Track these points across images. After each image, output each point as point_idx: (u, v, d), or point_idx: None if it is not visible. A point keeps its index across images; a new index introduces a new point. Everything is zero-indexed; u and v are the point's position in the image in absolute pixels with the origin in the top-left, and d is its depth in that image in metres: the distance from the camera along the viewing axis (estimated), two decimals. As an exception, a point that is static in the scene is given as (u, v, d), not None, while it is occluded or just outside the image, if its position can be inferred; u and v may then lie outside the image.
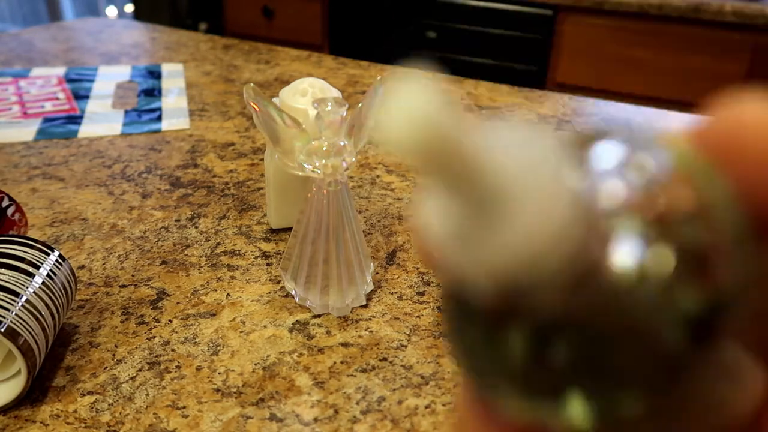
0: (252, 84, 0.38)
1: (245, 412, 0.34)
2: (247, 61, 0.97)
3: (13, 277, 0.35)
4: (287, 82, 0.90)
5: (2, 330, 0.32)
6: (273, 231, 0.52)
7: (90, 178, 0.60)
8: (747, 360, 0.12)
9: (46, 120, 0.74)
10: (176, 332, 0.40)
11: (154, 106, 0.80)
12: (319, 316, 0.42)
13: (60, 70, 0.92)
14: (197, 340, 0.39)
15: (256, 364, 0.37)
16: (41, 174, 0.61)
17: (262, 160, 0.65)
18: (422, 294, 0.44)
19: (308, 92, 0.46)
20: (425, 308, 0.43)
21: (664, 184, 0.11)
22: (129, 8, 2.52)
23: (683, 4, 1.54)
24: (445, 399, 0.35)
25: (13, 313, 0.33)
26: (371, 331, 0.40)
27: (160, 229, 0.52)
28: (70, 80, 0.88)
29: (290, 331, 0.40)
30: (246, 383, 0.36)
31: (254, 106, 0.38)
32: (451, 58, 1.83)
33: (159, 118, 0.76)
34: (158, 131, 0.72)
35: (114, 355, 0.38)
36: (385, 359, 0.38)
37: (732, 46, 1.54)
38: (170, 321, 0.41)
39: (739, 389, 0.12)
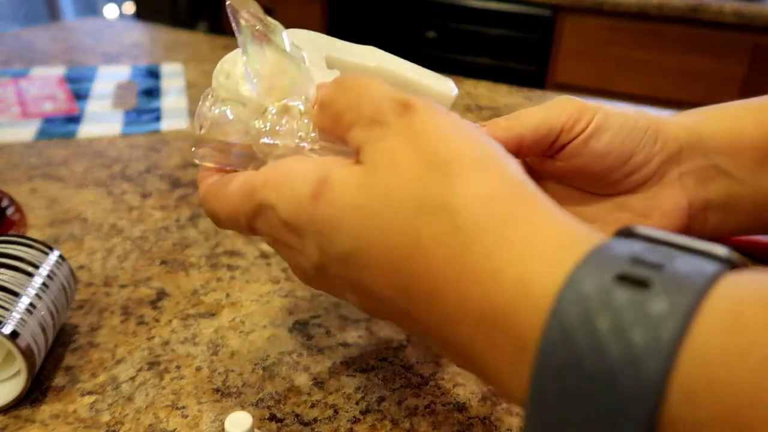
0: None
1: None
2: (246, 61, 0.97)
3: (12, 277, 0.35)
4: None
5: (2, 330, 0.32)
6: (273, 231, 0.52)
7: (90, 178, 0.60)
8: None
9: (46, 120, 0.74)
10: (176, 332, 0.40)
11: (153, 106, 0.80)
12: (318, 316, 0.42)
13: (60, 70, 0.92)
14: (197, 340, 0.39)
15: (255, 364, 0.37)
16: (41, 174, 0.61)
17: (261, 160, 0.65)
18: (422, 294, 0.44)
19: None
20: (425, 308, 0.43)
21: None
22: (129, 8, 2.51)
23: (683, 5, 1.54)
24: (445, 399, 0.35)
25: (13, 313, 0.33)
26: (371, 331, 0.40)
27: (160, 229, 0.52)
28: (69, 80, 0.88)
29: (290, 331, 0.40)
30: (246, 383, 0.36)
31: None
32: (451, 58, 1.83)
33: (158, 118, 0.76)
34: (158, 131, 0.72)
35: (114, 355, 0.38)
36: (384, 359, 0.38)
37: (732, 47, 1.54)
38: (170, 321, 0.41)
39: None
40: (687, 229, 0.35)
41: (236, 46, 0.29)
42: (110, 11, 2.61)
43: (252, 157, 0.29)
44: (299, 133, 0.28)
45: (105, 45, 1.08)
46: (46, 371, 0.36)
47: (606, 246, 0.19)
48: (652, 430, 0.16)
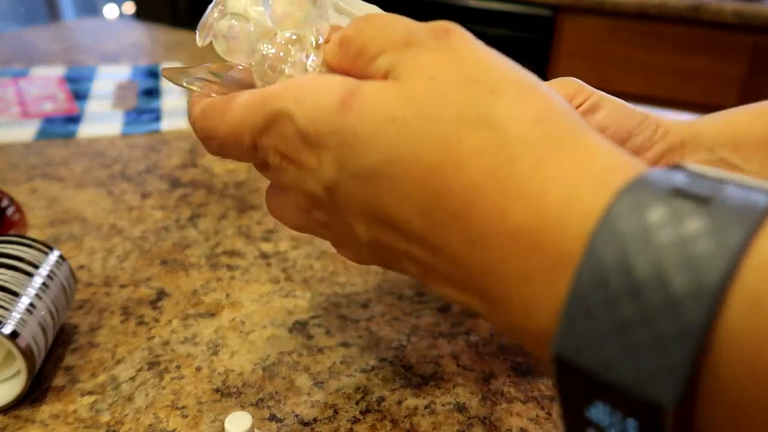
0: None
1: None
2: (246, 61, 0.97)
3: (12, 277, 0.35)
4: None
5: (2, 330, 0.32)
6: (273, 231, 0.52)
7: (90, 178, 0.60)
8: None
9: (46, 120, 0.74)
10: (176, 332, 0.40)
11: (153, 106, 0.80)
12: (318, 316, 0.42)
13: (60, 70, 0.92)
14: (197, 340, 0.39)
15: (255, 364, 0.37)
16: (41, 174, 0.61)
17: (261, 160, 0.65)
18: (422, 294, 0.44)
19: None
20: (425, 308, 0.43)
21: None
22: (129, 8, 2.51)
23: (683, 5, 1.54)
24: (445, 399, 0.35)
25: (13, 313, 0.33)
26: (371, 331, 0.40)
27: (160, 229, 0.52)
28: (69, 80, 0.88)
29: (290, 331, 0.40)
30: (246, 383, 0.36)
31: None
32: (450, 58, 1.83)
33: (158, 118, 0.76)
34: (158, 131, 0.72)
35: (113, 355, 0.38)
36: (384, 359, 0.38)
37: (731, 47, 1.54)
38: (170, 321, 0.41)
39: None
40: None
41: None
42: (110, 11, 2.61)
43: (247, 87, 0.27)
44: (308, 65, 0.26)
45: (105, 45, 1.08)
46: (46, 371, 0.36)
47: (658, 170, 0.18)
48: (706, 341, 0.15)
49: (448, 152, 0.20)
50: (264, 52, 0.26)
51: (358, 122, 0.22)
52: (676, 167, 0.19)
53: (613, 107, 0.33)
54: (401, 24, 0.23)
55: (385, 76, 0.23)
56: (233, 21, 0.26)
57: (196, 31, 0.27)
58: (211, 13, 0.27)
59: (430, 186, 0.21)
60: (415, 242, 0.22)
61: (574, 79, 0.33)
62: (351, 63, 0.25)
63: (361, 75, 0.24)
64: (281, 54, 0.26)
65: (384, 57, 0.23)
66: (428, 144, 0.21)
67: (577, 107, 0.33)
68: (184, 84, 0.28)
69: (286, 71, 0.26)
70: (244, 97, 0.25)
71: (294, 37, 0.26)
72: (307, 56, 0.26)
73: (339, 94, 0.22)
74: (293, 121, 0.23)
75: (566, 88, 0.33)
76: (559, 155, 0.20)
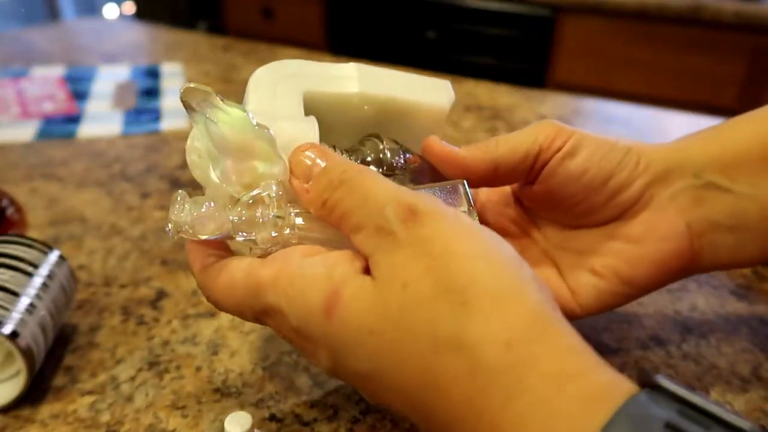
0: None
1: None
2: (246, 60, 0.97)
3: (12, 277, 0.35)
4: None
5: (2, 330, 0.32)
6: (273, 231, 0.52)
7: (89, 178, 0.60)
8: None
9: (46, 120, 0.74)
10: (176, 332, 0.40)
11: (153, 106, 0.80)
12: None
13: (60, 70, 0.92)
14: (197, 340, 0.39)
15: (255, 364, 0.37)
16: (41, 174, 0.61)
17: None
18: (422, 294, 0.44)
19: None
20: (425, 308, 0.43)
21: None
22: (129, 8, 2.51)
23: (683, 5, 1.54)
24: (444, 399, 0.35)
25: (13, 313, 0.33)
26: (371, 331, 0.40)
27: (160, 229, 0.52)
28: (69, 80, 0.88)
29: (290, 331, 0.40)
30: (246, 383, 0.36)
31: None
32: (451, 58, 1.83)
33: (158, 118, 0.76)
34: (158, 131, 0.72)
35: (114, 355, 0.38)
36: (384, 359, 0.38)
37: (731, 47, 1.54)
38: (170, 321, 0.41)
39: None
40: (695, 255, 0.32)
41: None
42: (110, 11, 2.61)
43: (231, 236, 0.28)
44: (276, 219, 0.27)
45: (105, 45, 1.08)
46: (46, 371, 0.36)
47: (629, 414, 0.18)
48: None
49: (427, 375, 0.22)
50: (232, 221, 0.27)
51: (342, 331, 0.24)
52: (653, 386, 0.19)
53: (593, 147, 0.32)
54: (374, 199, 0.25)
55: (365, 260, 0.25)
56: (196, 213, 0.27)
57: (167, 225, 0.28)
58: (172, 208, 0.28)
59: (416, 398, 0.23)
60: (414, 420, 0.24)
61: (554, 121, 0.33)
62: (335, 225, 0.26)
63: (346, 235, 0.26)
64: (250, 219, 0.27)
65: (362, 237, 0.25)
66: (407, 366, 0.22)
67: (557, 151, 0.32)
68: (171, 236, 0.28)
69: (255, 237, 0.27)
70: (239, 276, 0.27)
71: (257, 196, 0.27)
72: (274, 210, 0.27)
73: (323, 296, 0.24)
74: (286, 318, 0.26)
75: (545, 132, 0.33)
76: (529, 387, 0.20)
